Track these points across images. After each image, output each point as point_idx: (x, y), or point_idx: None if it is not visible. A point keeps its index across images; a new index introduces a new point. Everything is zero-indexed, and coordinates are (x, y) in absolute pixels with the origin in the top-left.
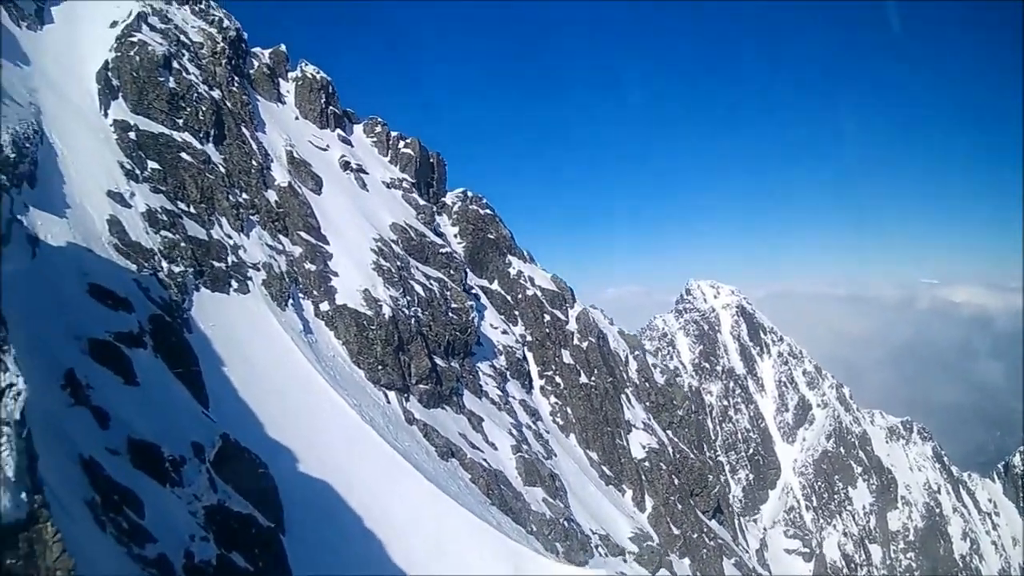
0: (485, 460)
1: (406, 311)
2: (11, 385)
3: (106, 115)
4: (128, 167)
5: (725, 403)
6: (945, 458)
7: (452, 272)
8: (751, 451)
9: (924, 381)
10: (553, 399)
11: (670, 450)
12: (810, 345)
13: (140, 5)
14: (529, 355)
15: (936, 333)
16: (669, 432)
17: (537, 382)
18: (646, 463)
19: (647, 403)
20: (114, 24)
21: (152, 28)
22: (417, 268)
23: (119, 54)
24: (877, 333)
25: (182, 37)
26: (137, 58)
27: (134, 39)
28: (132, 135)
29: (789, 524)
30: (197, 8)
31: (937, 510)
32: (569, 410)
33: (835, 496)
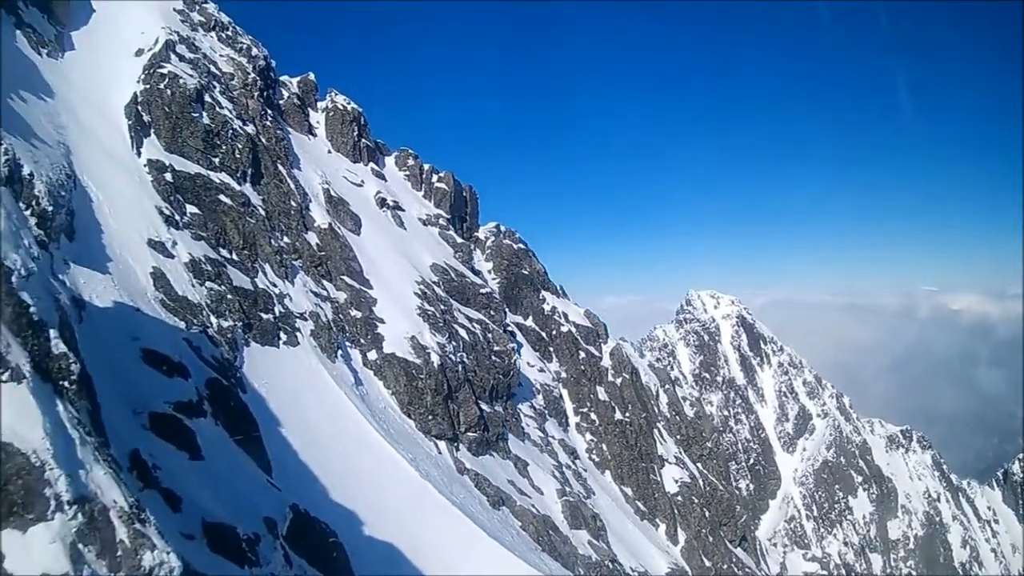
0: (533, 506)
1: (453, 357)
2: (161, 563)
3: (139, 154)
4: (167, 212)
5: (725, 413)
6: (944, 466)
7: (492, 312)
8: (751, 461)
9: (924, 389)
10: (589, 436)
11: (701, 483)
12: (811, 353)
13: (166, 32)
14: (564, 392)
15: (936, 341)
16: (699, 465)
17: (572, 419)
18: (679, 497)
19: (677, 436)
20: (140, 52)
21: (181, 58)
22: (459, 310)
23: (148, 86)
24: (878, 341)
25: (212, 68)
26: (168, 92)
27: (164, 70)
28: (168, 176)
29: (790, 535)
30: (224, 35)
31: (937, 518)
32: (604, 447)
33: (835, 505)
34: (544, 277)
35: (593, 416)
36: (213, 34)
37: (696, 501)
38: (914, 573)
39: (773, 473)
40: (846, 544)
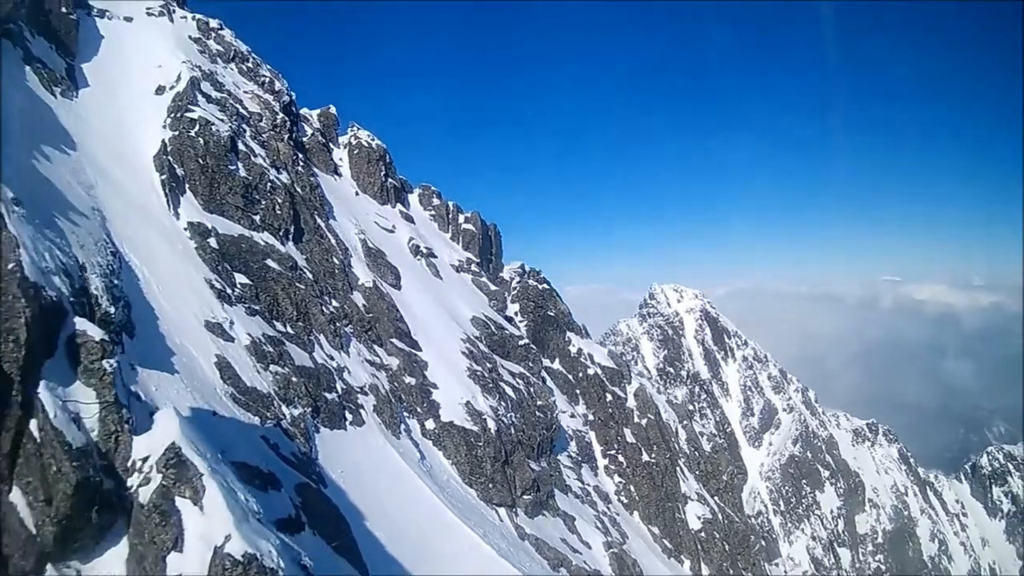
0: (585, 563)
1: (505, 420)
2: None
3: (177, 215)
4: (217, 286)
5: (690, 408)
6: (912, 460)
7: (531, 364)
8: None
9: (890, 379)
10: (617, 478)
11: (720, 517)
12: (775, 344)
13: (188, 68)
14: (592, 435)
15: (902, 331)
16: (716, 498)
17: (601, 462)
18: (702, 533)
19: (697, 472)
20: (161, 91)
21: (208, 98)
22: (502, 366)
23: (177, 133)
24: (842, 331)
25: (239, 108)
26: (201, 141)
27: (193, 115)
28: (213, 242)
29: (756, 531)
30: (245, 67)
31: (905, 512)
32: (632, 488)
33: (803, 500)
34: (568, 318)
35: (621, 458)
36: (233, 66)
37: (717, 536)
38: (883, 567)
39: (739, 468)
40: (814, 539)
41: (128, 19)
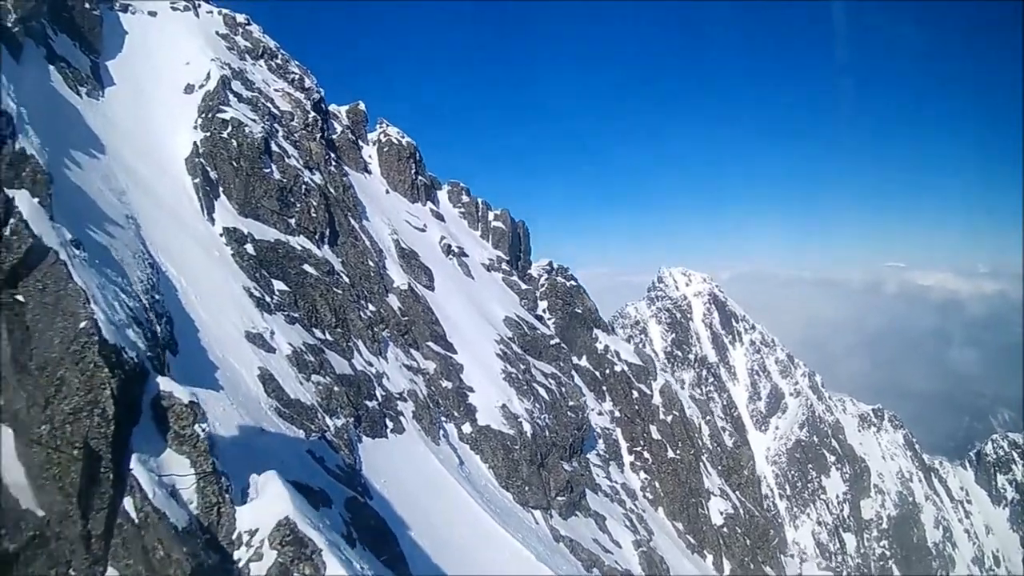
0: (617, 562)
1: (539, 422)
2: None
3: (212, 220)
4: (256, 294)
5: (698, 391)
6: (917, 446)
7: (561, 364)
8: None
9: (895, 366)
10: (643, 475)
11: (741, 512)
12: (780, 329)
13: (218, 66)
14: (618, 431)
15: (907, 318)
16: (737, 492)
17: (627, 458)
18: (724, 529)
19: (719, 467)
20: (190, 89)
21: (239, 97)
22: (535, 366)
23: (209, 134)
24: (848, 317)
25: (271, 107)
26: (234, 142)
27: (225, 115)
28: (250, 248)
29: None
30: (274, 64)
31: (910, 498)
32: (658, 484)
33: (808, 485)
34: (595, 314)
35: (647, 455)
36: (262, 62)
37: (739, 531)
38: (887, 553)
39: (746, 452)
40: (819, 524)
41: (152, 14)
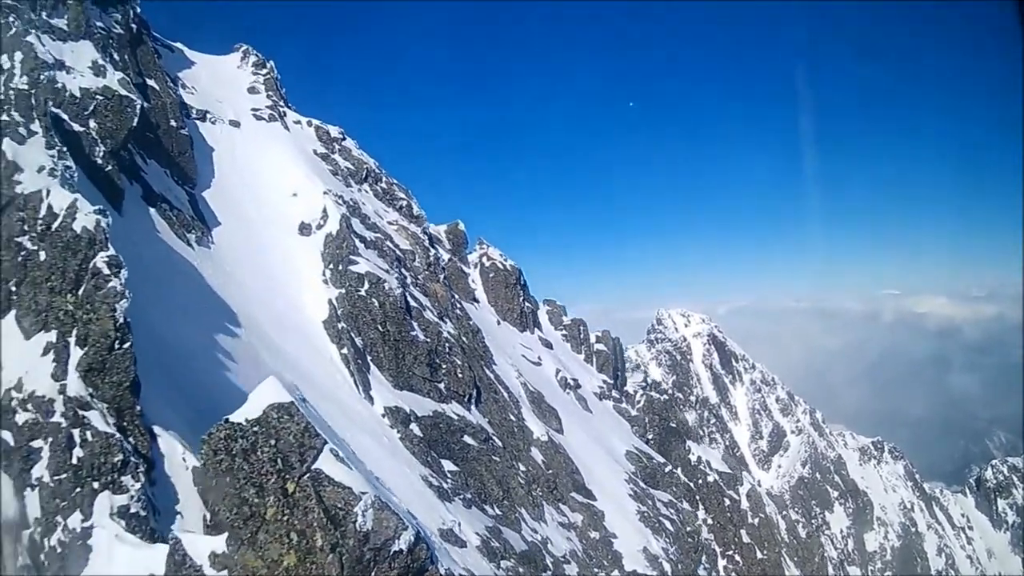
0: None
1: (672, 558)
2: None
3: (370, 399)
4: (435, 482)
5: (700, 432)
6: (917, 475)
7: (675, 488)
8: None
9: (893, 393)
10: None
11: None
12: (779, 361)
13: (331, 199)
14: (711, 536)
15: (904, 344)
16: None
17: (720, 562)
18: None
19: (795, 559)
20: (307, 230)
21: (363, 241)
22: (659, 500)
23: (344, 291)
24: (845, 346)
25: (395, 249)
26: (375, 302)
27: (358, 269)
28: (415, 429)
29: None
30: (379, 189)
31: (912, 528)
32: None
33: (812, 521)
34: (687, 426)
35: (738, 558)
36: (367, 187)
37: None
38: None
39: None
40: (824, 559)
41: (235, 123)
